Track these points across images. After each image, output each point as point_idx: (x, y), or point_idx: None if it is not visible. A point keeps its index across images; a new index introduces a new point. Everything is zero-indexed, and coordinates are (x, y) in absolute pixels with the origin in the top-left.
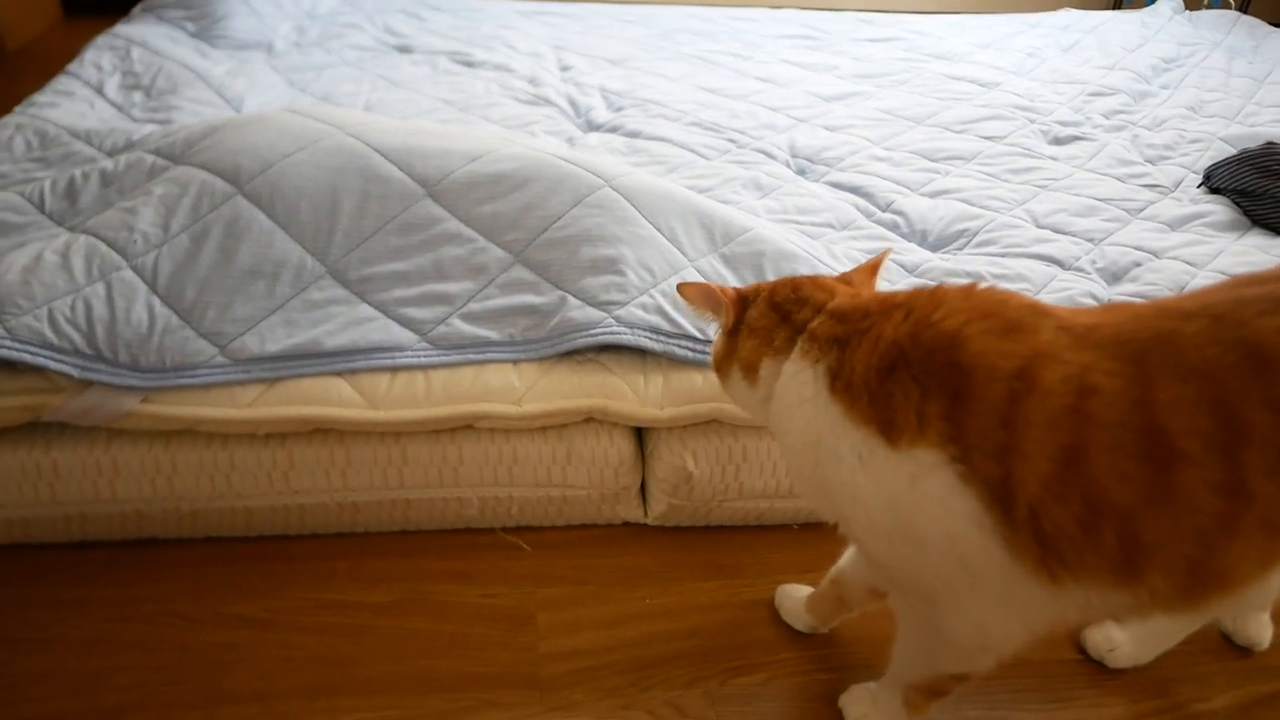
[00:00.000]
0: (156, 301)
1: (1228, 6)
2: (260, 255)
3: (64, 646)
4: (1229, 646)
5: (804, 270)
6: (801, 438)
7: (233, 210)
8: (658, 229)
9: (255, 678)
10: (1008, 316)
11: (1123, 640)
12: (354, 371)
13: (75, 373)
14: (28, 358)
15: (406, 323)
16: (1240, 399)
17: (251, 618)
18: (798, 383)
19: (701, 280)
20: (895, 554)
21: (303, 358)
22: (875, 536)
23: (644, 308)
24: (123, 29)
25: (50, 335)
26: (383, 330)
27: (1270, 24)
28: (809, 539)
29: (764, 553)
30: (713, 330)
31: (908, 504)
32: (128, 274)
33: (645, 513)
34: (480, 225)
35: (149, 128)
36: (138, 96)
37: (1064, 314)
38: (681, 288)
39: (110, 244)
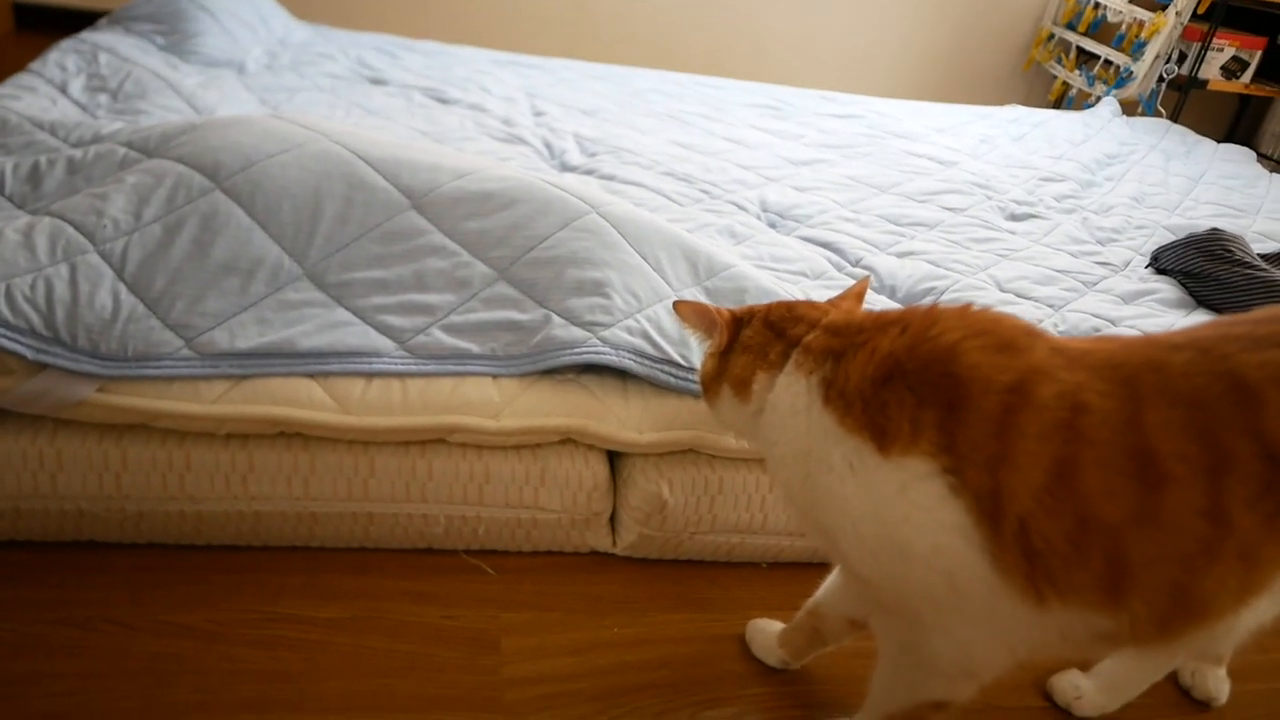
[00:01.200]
0: (123, 288)
1: (1159, 115)
2: (236, 251)
3: None
4: (1188, 701)
5: None
6: (792, 448)
7: (210, 204)
8: (643, 257)
9: (196, 690)
10: (1002, 334)
11: (1089, 688)
12: (327, 374)
13: (29, 354)
14: None
15: (385, 330)
16: (1225, 428)
17: (194, 628)
18: (790, 394)
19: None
20: (881, 568)
21: (275, 356)
22: (861, 549)
23: (629, 331)
24: (89, 35)
25: (6, 312)
26: (360, 335)
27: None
28: (777, 578)
29: (733, 588)
30: (698, 355)
31: (896, 514)
32: (94, 258)
33: (614, 542)
34: (465, 240)
35: (118, 124)
36: (103, 99)
37: (1056, 339)
38: (677, 305)
39: (78, 227)
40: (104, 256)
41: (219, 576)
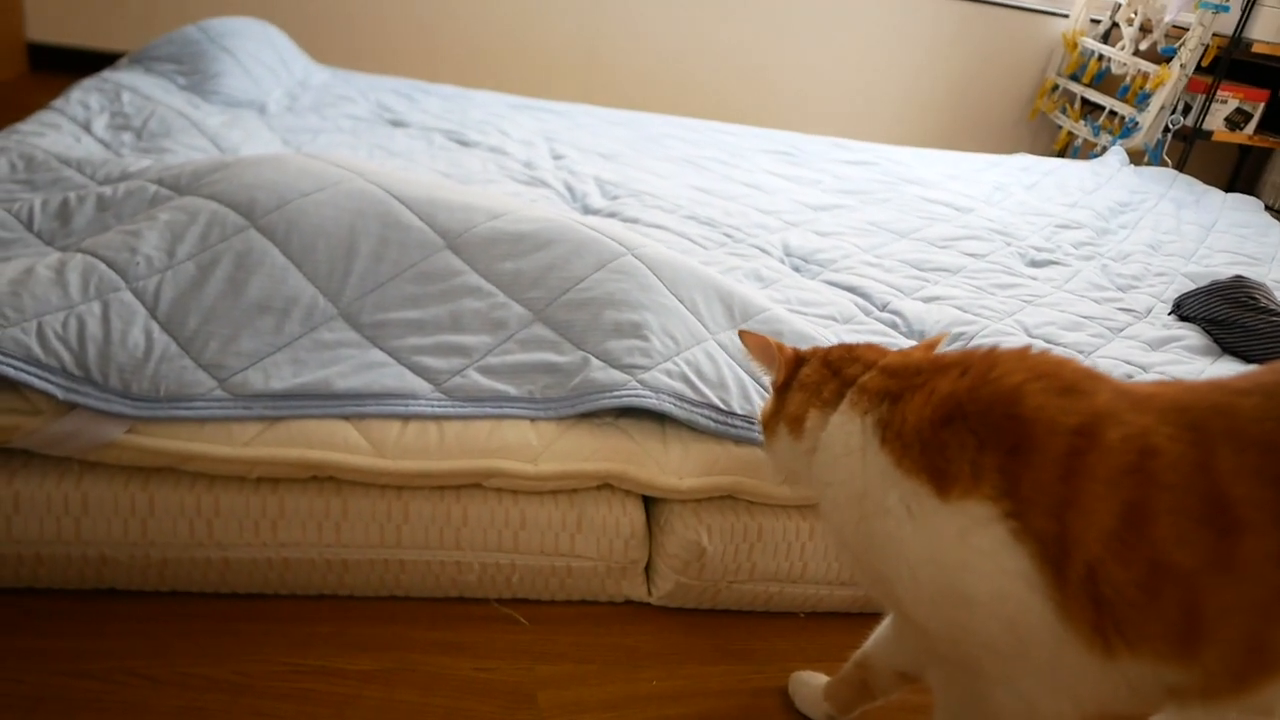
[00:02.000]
0: (155, 327)
1: (1165, 164)
2: (271, 290)
3: (6, 703)
4: None
5: None
6: (846, 490)
7: (245, 242)
8: (680, 300)
9: None
10: (1065, 377)
11: None
12: (363, 416)
13: (60, 394)
14: (10, 372)
15: (421, 371)
16: None
17: (221, 680)
18: (844, 433)
19: (723, 352)
20: (940, 616)
21: (310, 398)
22: (919, 596)
23: (668, 374)
24: (111, 74)
25: (37, 350)
26: (396, 377)
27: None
28: (816, 628)
29: (772, 639)
30: (737, 399)
31: (956, 559)
32: (127, 295)
33: (649, 591)
34: (501, 281)
35: (145, 162)
36: (127, 137)
37: (1119, 383)
38: (743, 334)
39: (110, 264)
40: (137, 294)
41: (246, 626)
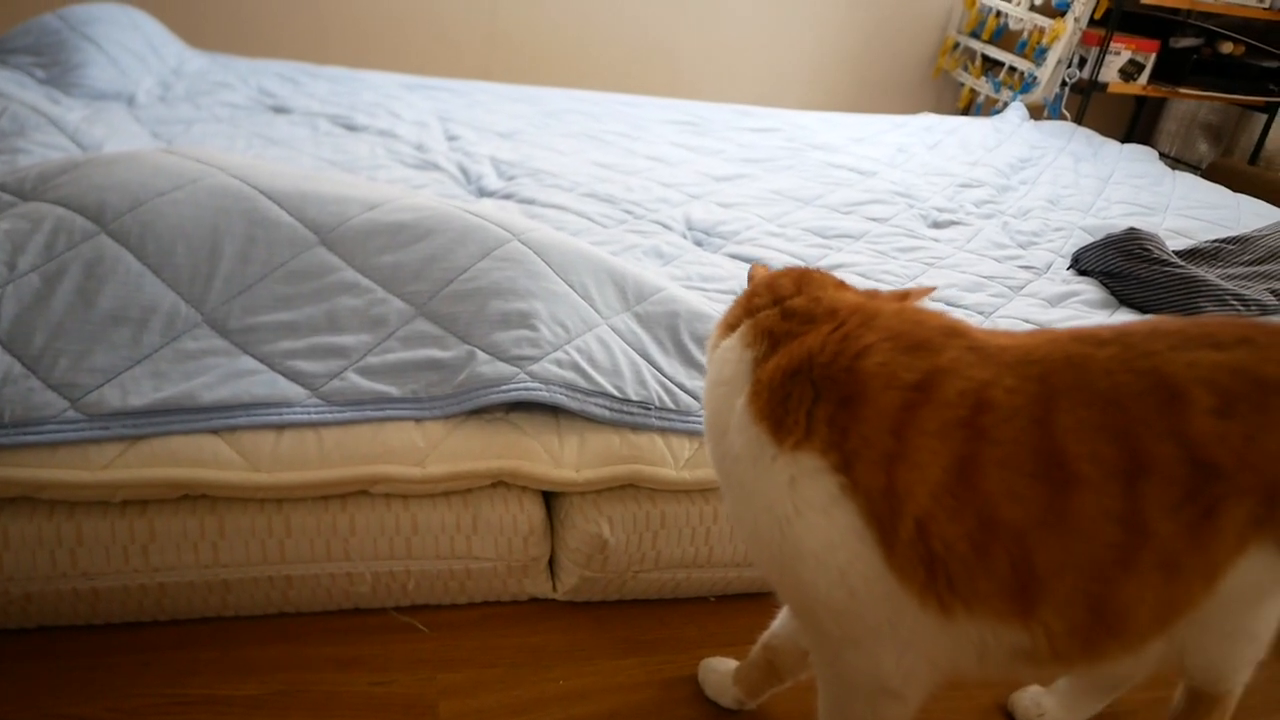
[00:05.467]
0: None
1: (1064, 118)
2: (126, 299)
3: None
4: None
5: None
6: (712, 421)
7: (95, 249)
8: (570, 285)
9: None
10: (919, 335)
11: (1051, 706)
12: (233, 429)
13: None
14: None
15: (295, 376)
16: (1145, 429)
17: (94, 719)
18: (723, 360)
19: (617, 337)
20: (780, 572)
21: (173, 413)
22: (760, 546)
23: (559, 364)
24: None
25: None
26: (268, 384)
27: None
28: (726, 611)
29: (681, 627)
30: (632, 385)
31: (787, 510)
32: None
33: (554, 587)
34: (379, 276)
35: None
36: None
37: (982, 335)
38: (754, 269)
39: None
40: None
41: (121, 658)
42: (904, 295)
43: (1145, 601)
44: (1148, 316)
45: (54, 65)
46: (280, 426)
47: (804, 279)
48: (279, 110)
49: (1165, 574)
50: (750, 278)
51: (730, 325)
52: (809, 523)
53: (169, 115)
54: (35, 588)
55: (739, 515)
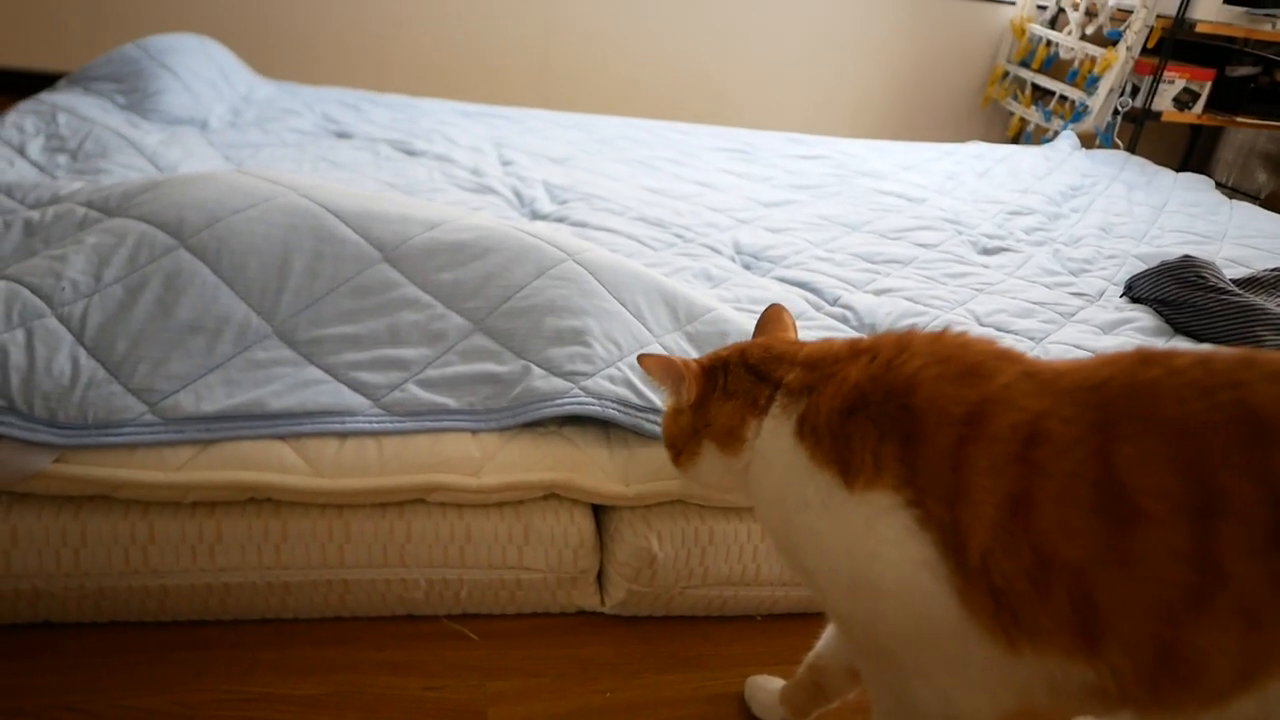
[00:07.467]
0: (82, 353)
1: (1116, 147)
2: (202, 310)
3: None
4: None
5: None
6: (775, 491)
7: (174, 263)
8: (622, 304)
9: None
10: (967, 360)
11: None
12: (299, 436)
13: None
14: None
15: (358, 387)
16: (1221, 464)
17: (161, 711)
18: (776, 437)
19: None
20: (856, 609)
21: (243, 419)
22: (837, 590)
23: (611, 380)
24: (48, 96)
25: None
26: (333, 394)
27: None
28: (773, 630)
29: (727, 644)
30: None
31: (865, 549)
32: (51, 322)
33: (602, 600)
34: (439, 292)
35: (78, 184)
36: (62, 159)
37: (1034, 362)
38: (642, 359)
39: (34, 290)
40: (62, 320)
41: (186, 655)
42: (770, 321)
43: (1224, 651)
44: (1203, 346)
45: (134, 92)
46: (343, 434)
47: (766, 346)
48: (342, 135)
49: (1246, 621)
50: (645, 368)
51: (763, 408)
52: (887, 560)
53: (239, 140)
54: (109, 583)
55: (808, 565)
